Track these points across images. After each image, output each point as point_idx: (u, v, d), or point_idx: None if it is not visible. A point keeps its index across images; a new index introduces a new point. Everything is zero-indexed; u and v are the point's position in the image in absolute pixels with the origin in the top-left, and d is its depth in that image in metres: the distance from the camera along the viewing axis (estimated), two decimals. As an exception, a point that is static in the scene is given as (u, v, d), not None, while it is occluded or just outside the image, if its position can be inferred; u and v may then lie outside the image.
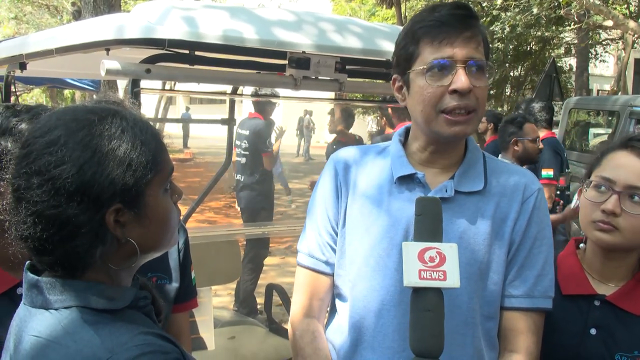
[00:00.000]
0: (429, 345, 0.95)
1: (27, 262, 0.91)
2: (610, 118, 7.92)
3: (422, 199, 1.05)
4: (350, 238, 1.27)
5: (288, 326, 1.37)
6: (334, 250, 1.31)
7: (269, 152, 4.75)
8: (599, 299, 1.32)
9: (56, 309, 0.85)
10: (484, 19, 12.93)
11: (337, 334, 1.30)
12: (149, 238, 0.90)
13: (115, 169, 0.84)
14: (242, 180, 4.83)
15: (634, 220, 1.26)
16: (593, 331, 1.30)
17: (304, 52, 1.94)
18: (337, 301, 1.33)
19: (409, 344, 0.98)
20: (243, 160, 4.78)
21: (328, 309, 1.38)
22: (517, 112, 3.97)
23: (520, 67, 14.84)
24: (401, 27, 2.42)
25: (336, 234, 1.30)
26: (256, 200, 4.80)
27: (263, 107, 4.90)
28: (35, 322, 0.85)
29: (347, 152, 1.35)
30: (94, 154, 0.83)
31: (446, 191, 1.21)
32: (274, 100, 4.77)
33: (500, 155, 3.48)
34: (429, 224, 1.02)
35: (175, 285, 1.53)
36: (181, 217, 2.93)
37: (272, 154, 4.79)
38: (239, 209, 5.16)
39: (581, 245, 1.43)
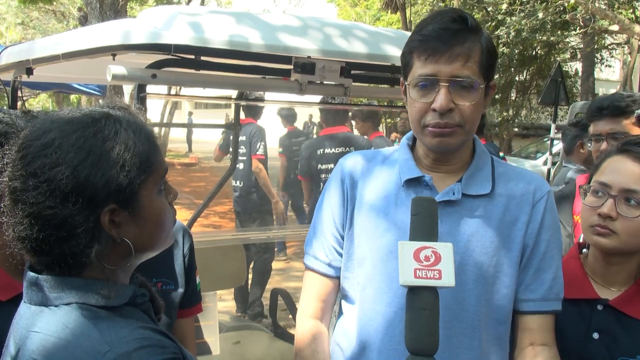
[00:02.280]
0: (425, 344, 0.95)
1: (28, 261, 0.92)
2: (616, 122, 7.85)
3: (417, 198, 1.06)
4: (358, 241, 1.29)
5: (293, 330, 1.37)
6: (339, 254, 1.32)
7: (258, 155, 4.75)
8: (601, 303, 1.33)
9: (56, 306, 0.86)
10: (489, 23, 12.94)
11: (344, 336, 1.31)
12: (144, 238, 0.91)
13: (109, 170, 0.85)
14: (241, 185, 4.85)
15: (631, 223, 1.27)
16: (596, 335, 1.31)
17: (309, 57, 1.94)
18: (343, 303, 1.35)
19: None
20: (241, 165, 4.80)
21: (336, 310, 1.39)
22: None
23: (525, 71, 14.87)
24: (406, 32, 2.42)
25: (342, 238, 1.32)
26: (255, 205, 4.81)
27: (255, 111, 4.94)
28: (36, 319, 0.86)
29: (355, 157, 1.36)
30: (88, 156, 0.85)
31: (453, 194, 1.22)
32: (266, 104, 4.79)
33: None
34: (424, 224, 1.03)
35: (180, 290, 1.54)
36: (186, 222, 2.95)
37: (263, 157, 4.78)
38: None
39: (584, 250, 1.44)
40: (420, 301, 0.98)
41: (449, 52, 1.14)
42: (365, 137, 4.68)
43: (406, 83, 1.23)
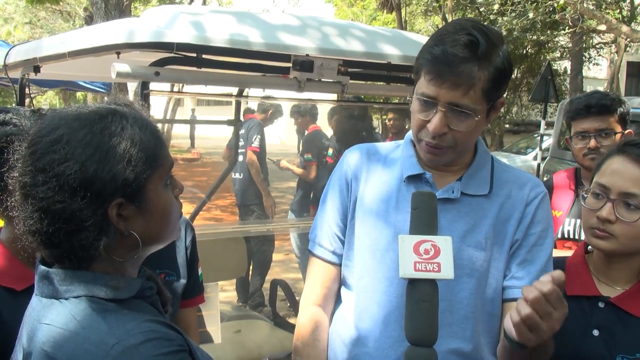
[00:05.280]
0: (424, 335, 0.98)
1: (39, 255, 0.95)
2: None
3: (417, 193, 1.07)
4: (358, 231, 1.32)
5: (293, 320, 1.42)
6: (342, 242, 1.36)
7: (253, 147, 4.85)
8: (603, 300, 1.32)
9: (66, 299, 0.88)
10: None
11: (342, 322, 1.35)
12: (151, 230, 0.93)
13: (116, 164, 0.87)
14: (240, 177, 4.95)
15: (629, 227, 1.26)
16: (595, 332, 1.30)
17: (307, 55, 1.97)
18: (343, 290, 1.38)
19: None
20: (240, 158, 4.87)
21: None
22: None
23: (516, 69, 14.96)
24: (402, 31, 2.46)
25: (345, 226, 1.35)
26: (253, 197, 4.90)
27: (259, 107, 5.20)
28: (47, 312, 0.88)
29: (360, 150, 1.39)
30: (96, 151, 0.86)
31: (453, 192, 1.26)
32: (275, 102, 4.90)
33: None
34: (424, 218, 1.04)
35: (182, 281, 1.57)
36: (189, 216, 2.99)
37: (258, 149, 4.88)
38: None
39: (589, 247, 1.43)
40: (419, 293, 0.99)
41: (451, 80, 1.15)
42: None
43: (414, 90, 1.25)
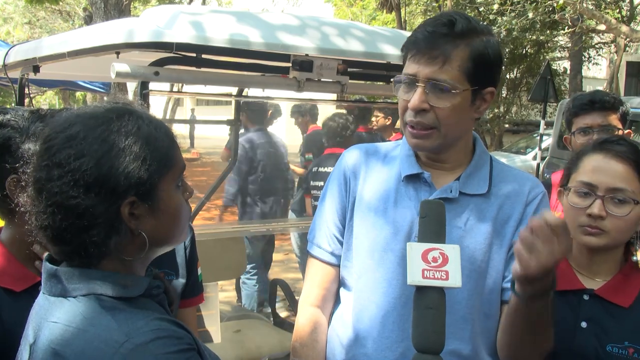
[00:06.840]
0: (431, 342, 0.98)
1: (46, 254, 0.95)
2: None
3: (426, 201, 1.08)
4: (357, 232, 1.32)
5: (292, 319, 1.42)
6: (340, 243, 1.36)
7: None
8: (587, 293, 1.35)
9: (74, 297, 0.89)
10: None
11: (341, 322, 1.35)
12: (160, 231, 0.94)
13: (131, 163, 0.88)
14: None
15: (620, 221, 1.30)
16: (584, 324, 1.33)
17: (307, 55, 1.99)
18: (342, 291, 1.38)
19: (409, 337, 1.01)
20: None
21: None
22: None
23: (516, 69, 15.09)
24: (401, 31, 2.47)
25: (343, 227, 1.36)
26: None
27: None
28: (55, 310, 0.89)
29: (358, 150, 1.40)
30: (111, 149, 0.87)
31: (451, 192, 1.26)
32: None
33: None
34: (432, 226, 1.05)
35: (182, 281, 1.56)
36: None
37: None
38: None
39: None
40: (427, 300, 1.00)
41: (429, 55, 1.18)
42: None
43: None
